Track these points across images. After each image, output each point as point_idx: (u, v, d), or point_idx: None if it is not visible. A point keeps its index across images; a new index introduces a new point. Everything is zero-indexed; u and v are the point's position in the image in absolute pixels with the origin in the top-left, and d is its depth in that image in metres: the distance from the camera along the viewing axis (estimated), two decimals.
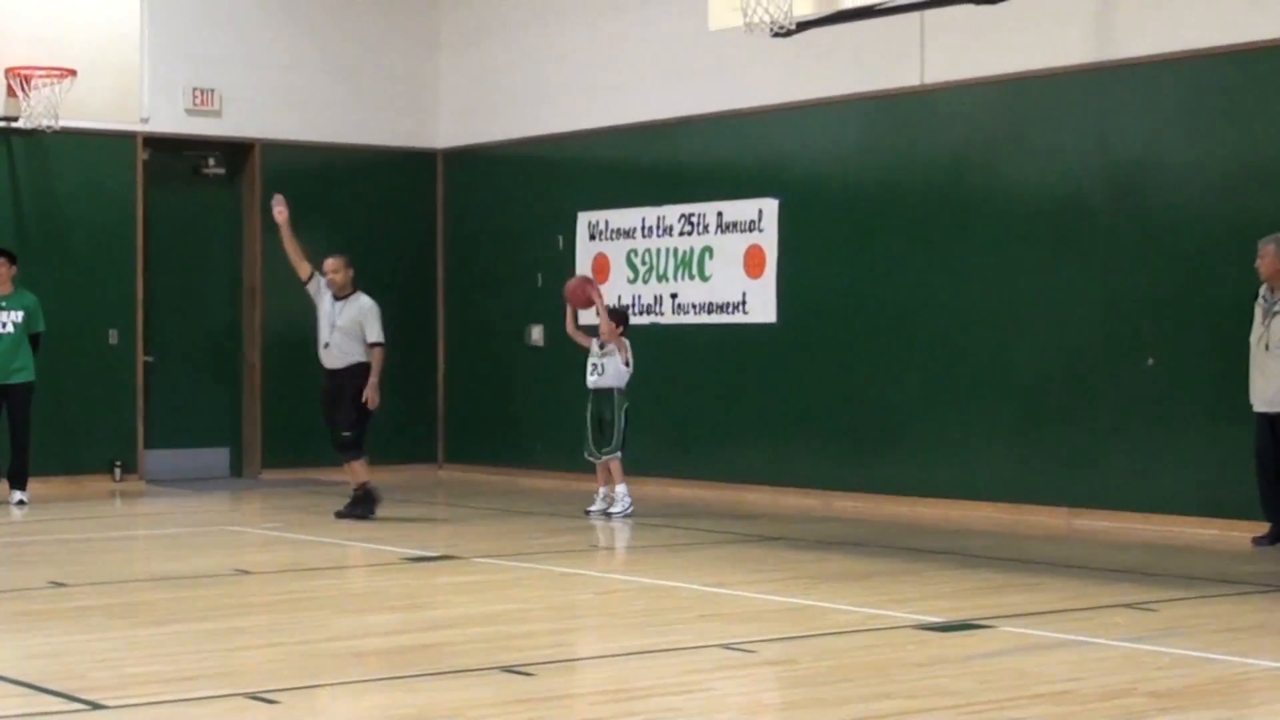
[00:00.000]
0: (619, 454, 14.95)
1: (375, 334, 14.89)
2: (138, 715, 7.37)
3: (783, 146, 16.53)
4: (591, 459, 15.11)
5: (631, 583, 11.37)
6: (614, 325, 15.03)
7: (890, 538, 13.51)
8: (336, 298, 15.02)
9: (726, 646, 8.80)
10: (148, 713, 7.43)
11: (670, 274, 17.44)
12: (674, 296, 17.40)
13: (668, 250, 17.46)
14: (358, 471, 14.85)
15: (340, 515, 14.83)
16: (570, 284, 15.31)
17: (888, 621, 9.67)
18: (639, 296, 17.64)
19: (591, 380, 15.06)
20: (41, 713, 7.43)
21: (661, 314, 17.42)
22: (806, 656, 8.69)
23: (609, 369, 14.98)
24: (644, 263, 17.67)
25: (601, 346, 15.06)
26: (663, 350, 17.23)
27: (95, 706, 7.45)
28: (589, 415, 15.08)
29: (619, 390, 14.99)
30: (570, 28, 18.47)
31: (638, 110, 17.76)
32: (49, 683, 7.88)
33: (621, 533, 14.18)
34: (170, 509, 16.55)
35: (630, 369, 15.04)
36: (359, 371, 14.81)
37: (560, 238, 18.43)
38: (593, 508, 15.03)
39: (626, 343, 15.06)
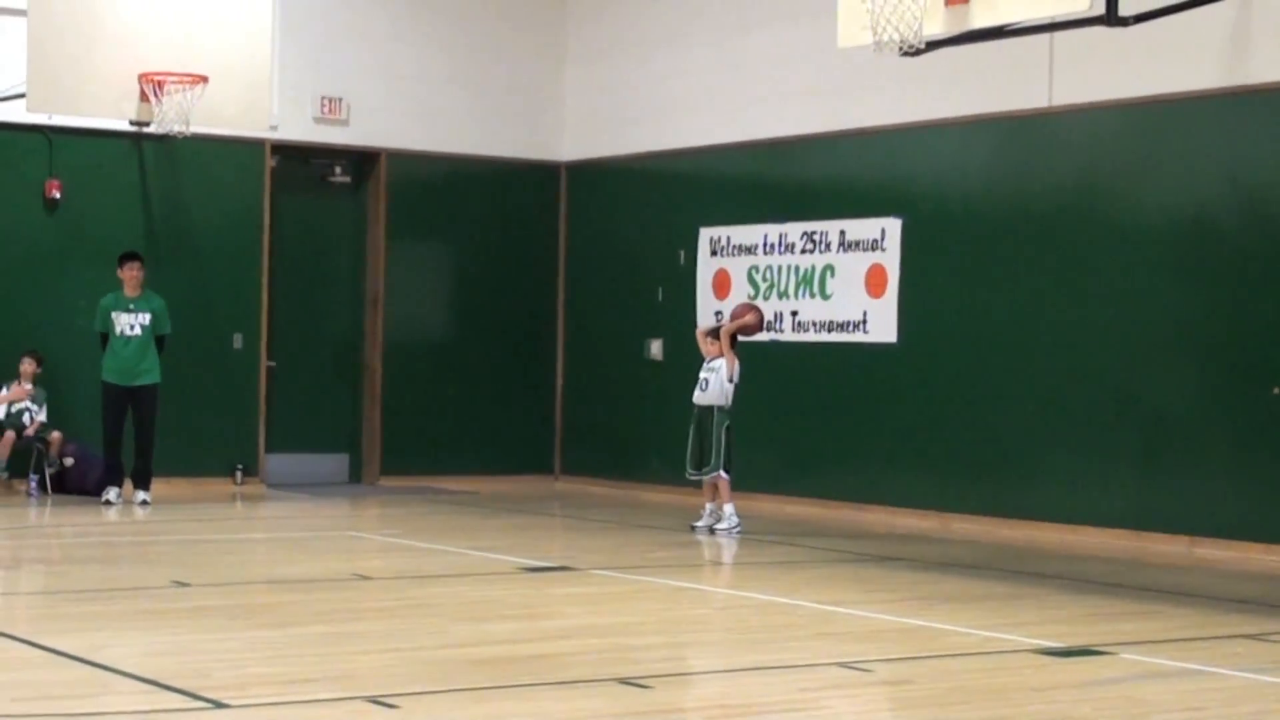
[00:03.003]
0: (723, 473, 14.89)
1: None
2: (259, 715, 7.45)
3: (907, 166, 16.48)
4: (692, 477, 15.09)
5: (747, 599, 11.36)
6: (716, 349, 14.98)
7: (1007, 561, 13.41)
8: None
9: (843, 665, 8.78)
10: (269, 713, 7.51)
11: (791, 291, 17.42)
12: (794, 314, 17.38)
13: (789, 267, 17.45)
14: None
15: None
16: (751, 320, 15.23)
17: (1005, 645, 9.60)
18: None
19: (696, 395, 15.05)
20: (165, 709, 7.53)
21: (781, 331, 17.40)
22: (923, 677, 8.65)
23: (712, 385, 14.94)
24: (765, 279, 17.66)
25: (709, 361, 15.05)
26: (781, 368, 17.21)
27: (218, 705, 7.54)
28: (691, 431, 15.07)
29: (719, 408, 14.92)
30: (697, 44, 18.50)
31: (762, 127, 17.76)
32: (172, 680, 7.98)
33: (737, 549, 14.16)
34: (290, 513, 16.71)
35: (734, 384, 14.96)
36: None
37: (682, 253, 18.46)
38: (698, 524, 15.00)
39: (735, 357, 15.01)
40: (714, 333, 15.31)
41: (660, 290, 18.75)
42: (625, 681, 8.21)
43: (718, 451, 14.84)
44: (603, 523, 15.93)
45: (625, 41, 19.40)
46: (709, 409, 14.94)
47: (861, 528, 15.65)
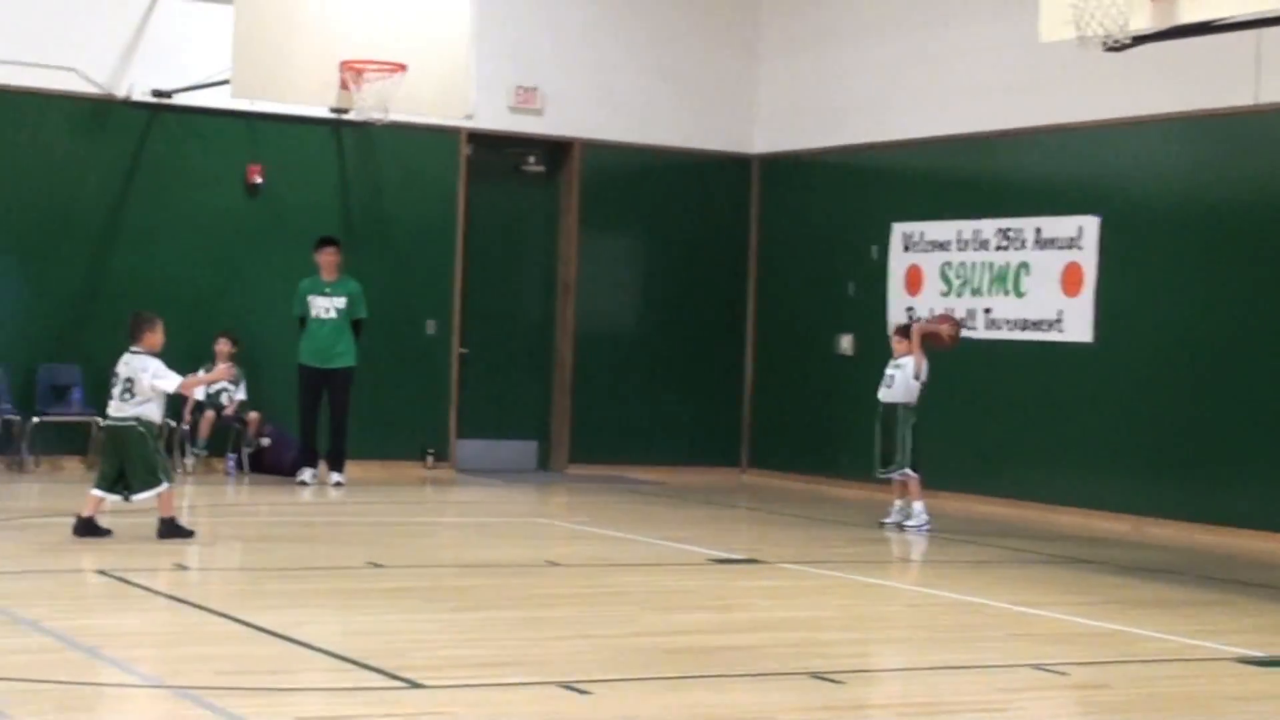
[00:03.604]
0: (910, 471, 14.77)
1: None
2: (455, 696, 7.53)
3: (1107, 163, 16.24)
4: (881, 476, 14.98)
5: (938, 597, 11.27)
6: (906, 346, 14.87)
7: (1203, 567, 13.18)
8: None
9: (1037, 667, 8.68)
10: (465, 695, 7.58)
11: (985, 288, 17.24)
12: (987, 311, 17.20)
13: (983, 264, 17.27)
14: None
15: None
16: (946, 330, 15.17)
17: (1203, 653, 9.44)
18: (952, 310, 17.45)
19: (881, 392, 14.94)
20: (364, 688, 7.63)
21: (974, 328, 17.22)
22: (1120, 682, 8.54)
23: (898, 382, 14.83)
24: (958, 276, 17.50)
25: (897, 358, 14.96)
26: (974, 366, 17.04)
27: (414, 685, 7.63)
28: (877, 428, 14.96)
29: (905, 405, 14.79)
30: (894, 37, 18.36)
31: (958, 122, 17.59)
32: (369, 659, 8.09)
33: (926, 546, 14.05)
34: (480, 498, 16.87)
35: (922, 383, 14.83)
36: None
37: (875, 247, 18.34)
38: (887, 520, 14.90)
39: (924, 356, 14.88)
40: (905, 330, 15.21)
41: (851, 285, 18.66)
42: (817, 676, 8.18)
43: (904, 450, 14.73)
44: (790, 516, 15.89)
45: (820, 34, 19.32)
46: (894, 406, 14.82)
47: (1053, 529, 15.46)
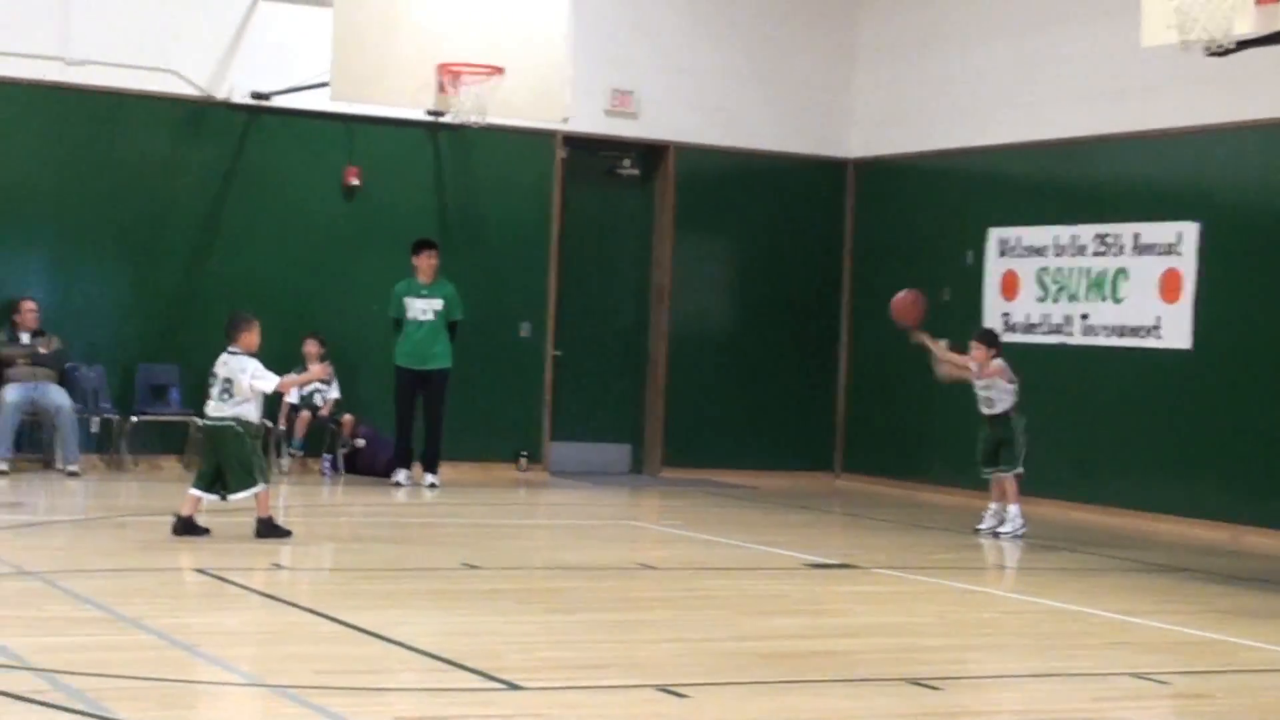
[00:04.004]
0: (1017, 471, 14.68)
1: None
2: (553, 699, 7.54)
3: (1207, 169, 16.08)
4: (986, 474, 14.88)
5: (1035, 604, 11.18)
6: (985, 355, 14.71)
7: None
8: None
9: (1137, 676, 8.60)
10: (562, 697, 7.59)
11: (1081, 294, 17.11)
12: (1084, 317, 17.06)
13: (1080, 270, 17.14)
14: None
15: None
16: (903, 301, 14.87)
17: None
18: (1048, 316, 17.35)
19: (985, 410, 14.80)
20: (462, 688, 7.65)
21: (1070, 334, 17.11)
22: (1220, 692, 8.45)
23: (999, 398, 14.69)
24: (1055, 282, 17.37)
25: (980, 376, 14.76)
26: (1070, 372, 16.92)
27: (512, 687, 7.64)
28: (983, 439, 14.83)
29: (1012, 412, 14.71)
30: (991, 42, 18.26)
31: (1056, 126, 17.47)
32: (465, 660, 8.11)
33: (1022, 554, 13.95)
34: (573, 500, 16.89)
35: (1016, 383, 14.72)
36: None
37: (970, 252, 18.23)
38: (982, 525, 14.79)
39: (1003, 364, 14.72)
40: (988, 338, 15.00)
41: (947, 290, 18.54)
42: (915, 682, 8.14)
43: (1020, 449, 14.59)
44: (885, 522, 15.82)
45: (917, 38, 19.24)
46: (1003, 416, 14.68)
47: (1150, 537, 15.32)
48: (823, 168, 19.83)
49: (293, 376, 13.87)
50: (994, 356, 14.76)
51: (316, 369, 14.68)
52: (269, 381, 12.16)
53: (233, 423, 12.05)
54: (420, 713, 7.33)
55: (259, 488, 12.04)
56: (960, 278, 18.31)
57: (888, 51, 19.57)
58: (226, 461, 12.03)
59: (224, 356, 12.22)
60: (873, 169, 19.75)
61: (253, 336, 12.30)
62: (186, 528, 11.97)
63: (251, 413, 12.13)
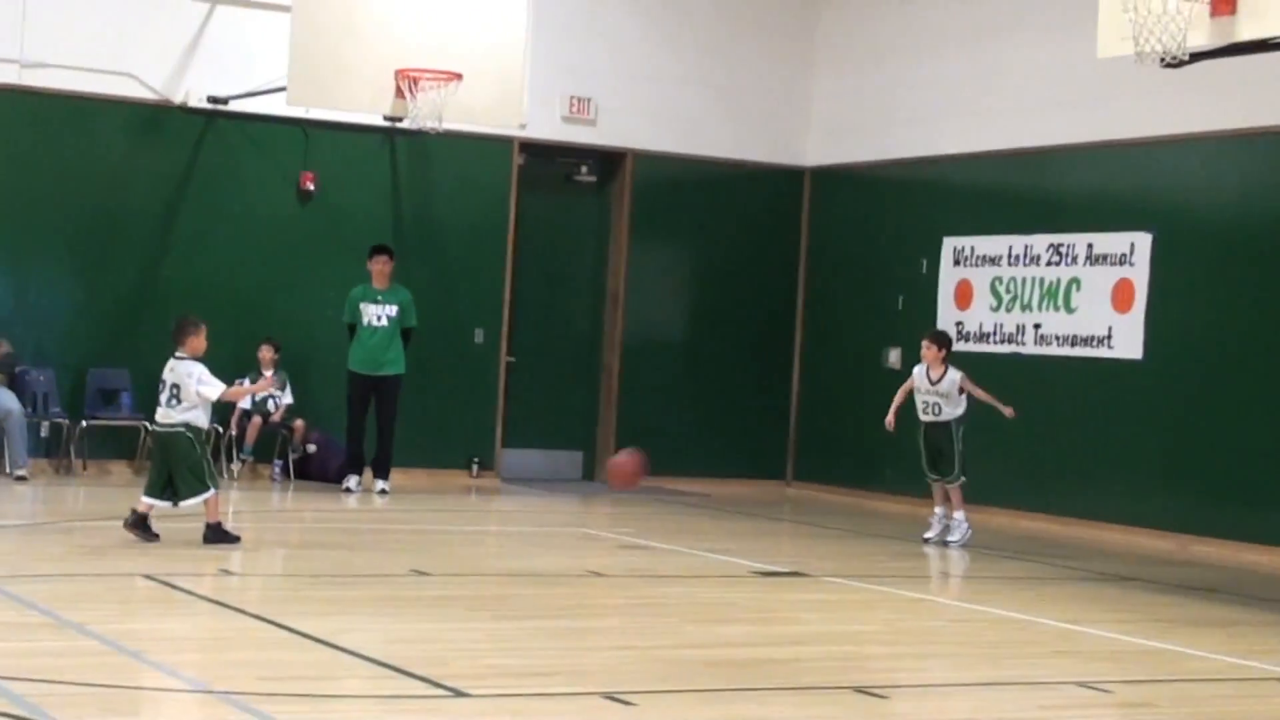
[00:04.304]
0: (962, 480, 14.71)
1: None
2: (498, 705, 7.54)
3: (1160, 179, 16.17)
4: (932, 481, 14.87)
5: (982, 613, 11.22)
6: (936, 355, 14.70)
7: (1251, 587, 13.10)
8: None
9: (1082, 684, 8.65)
10: (507, 704, 7.59)
11: (1035, 304, 17.18)
12: (1037, 327, 17.13)
13: (1034, 280, 17.21)
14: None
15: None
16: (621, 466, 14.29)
17: (1250, 672, 9.39)
18: (1000, 325, 17.42)
19: (926, 417, 14.78)
20: (407, 695, 7.65)
21: (1023, 344, 17.17)
22: (1166, 701, 8.49)
23: (945, 407, 14.67)
24: (1008, 291, 17.44)
25: (934, 382, 14.72)
26: (1022, 381, 16.97)
27: (457, 694, 7.64)
28: (924, 445, 14.83)
29: (957, 420, 14.71)
30: (948, 52, 18.32)
31: (1010, 136, 17.54)
32: (413, 667, 8.10)
33: (970, 562, 14.00)
34: (524, 508, 16.88)
35: (966, 395, 14.73)
36: None
37: (925, 261, 18.29)
38: (930, 534, 14.77)
39: (964, 377, 14.70)
40: (941, 339, 14.99)
41: (901, 299, 18.61)
42: (861, 690, 8.17)
43: (960, 459, 14.62)
44: (835, 530, 15.86)
45: (874, 47, 19.29)
46: (944, 424, 14.71)
47: (1099, 546, 15.39)
48: (780, 176, 19.88)
49: (240, 388, 13.67)
50: (944, 358, 14.76)
51: (262, 381, 14.45)
52: (214, 389, 12.11)
53: (182, 429, 12.02)
54: (367, 719, 7.33)
55: (209, 494, 12.01)
56: (915, 286, 18.37)
57: (845, 60, 19.63)
58: (176, 468, 12.00)
59: (171, 362, 12.19)
60: (829, 177, 19.80)
61: (199, 341, 12.25)
62: (140, 524, 11.93)
63: (200, 418, 12.10)
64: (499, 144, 18.42)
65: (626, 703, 7.60)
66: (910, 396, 14.93)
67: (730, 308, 19.73)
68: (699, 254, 19.79)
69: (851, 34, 19.60)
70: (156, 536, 11.98)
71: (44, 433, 16.66)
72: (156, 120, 17.30)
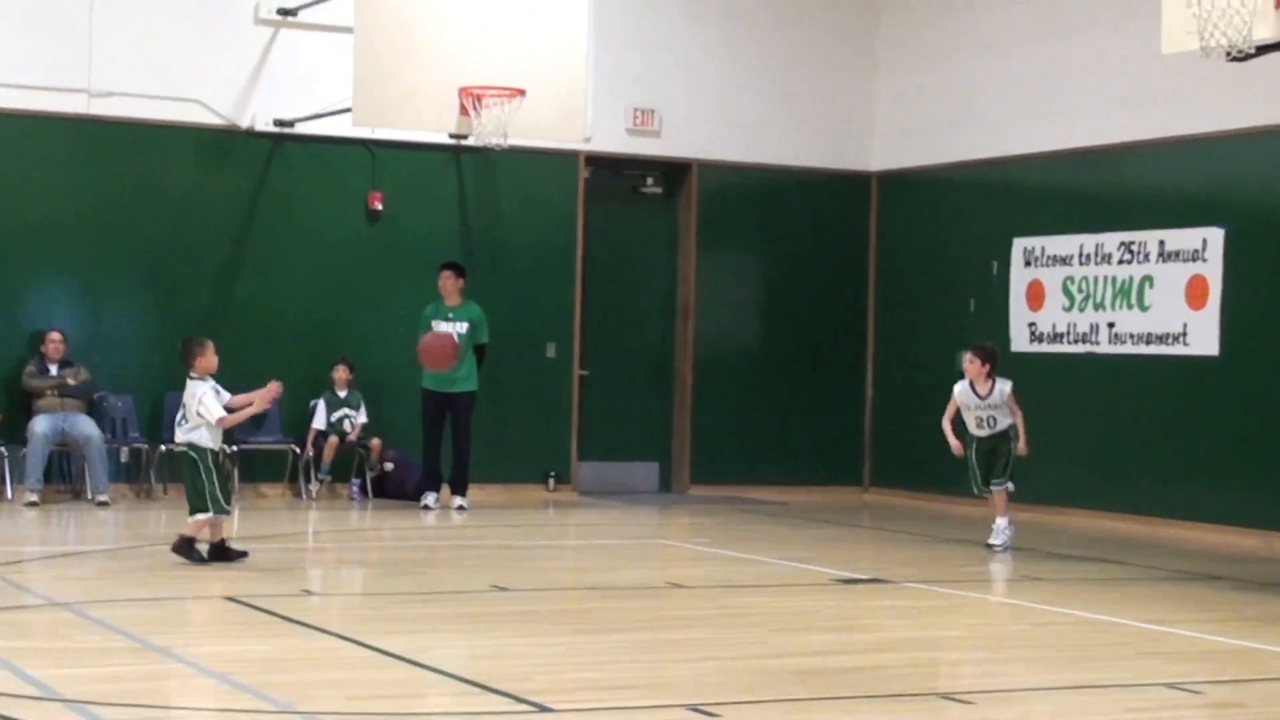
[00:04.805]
0: (1009, 485, 14.35)
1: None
2: None
3: (1232, 174, 16.05)
4: (983, 494, 14.50)
5: (1066, 615, 11.13)
6: (980, 370, 14.18)
7: None
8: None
9: (1171, 686, 8.57)
10: (592, 718, 7.60)
11: (1108, 303, 17.07)
12: (1111, 326, 17.03)
13: (1106, 278, 17.10)
14: None
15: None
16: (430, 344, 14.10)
17: None
18: (1074, 325, 17.32)
19: (981, 431, 14.28)
20: (491, 712, 7.65)
21: (1098, 343, 17.07)
22: (1256, 701, 8.42)
23: (1000, 418, 14.24)
24: (1080, 290, 17.33)
25: (983, 397, 14.23)
26: (1097, 381, 16.89)
27: (541, 709, 7.64)
28: (977, 461, 14.33)
29: (1011, 425, 14.26)
30: (1013, 51, 18.23)
31: (1078, 134, 17.44)
32: (495, 683, 8.11)
33: (1051, 565, 13.89)
34: (602, 520, 16.89)
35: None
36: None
37: (995, 263, 18.21)
38: (994, 541, 14.30)
39: (1009, 386, 14.27)
40: (987, 354, 14.36)
41: (972, 301, 18.53)
42: (947, 697, 8.13)
43: (1009, 465, 14.26)
44: (914, 535, 15.79)
45: (937, 49, 19.23)
46: (1003, 432, 14.28)
47: (1179, 545, 15.27)
48: (846, 181, 19.83)
49: (241, 411, 12.53)
50: (990, 373, 14.26)
51: (262, 393, 13.21)
52: (213, 412, 12.08)
53: (187, 448, 12.07)
54: None
55: (204, 515, 12.00)
56: (986, 289, 18.29)
57: (908, 63, 19.57)
58: (185, 486, 12.09)
59: (187, 381, 12.24)
60: (896, 181, 19.74)
61: (206, 360, 12.27)
62: (220, 553, 12.00)
63: (204, 438, 12.08)
64: (564, 158, 18.45)
65: (712, 715, 7.59)
66: (958, 415, 14.53)
67: (801, 314, 19.69)
68: (767, 262, 19.76)
69: (913, 37, 19.54)
70: (244, 554, 12.04)
71: (124, 458, 16.79)
72: (224, 145, 17.42)
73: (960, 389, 14.40)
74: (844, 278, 19.84)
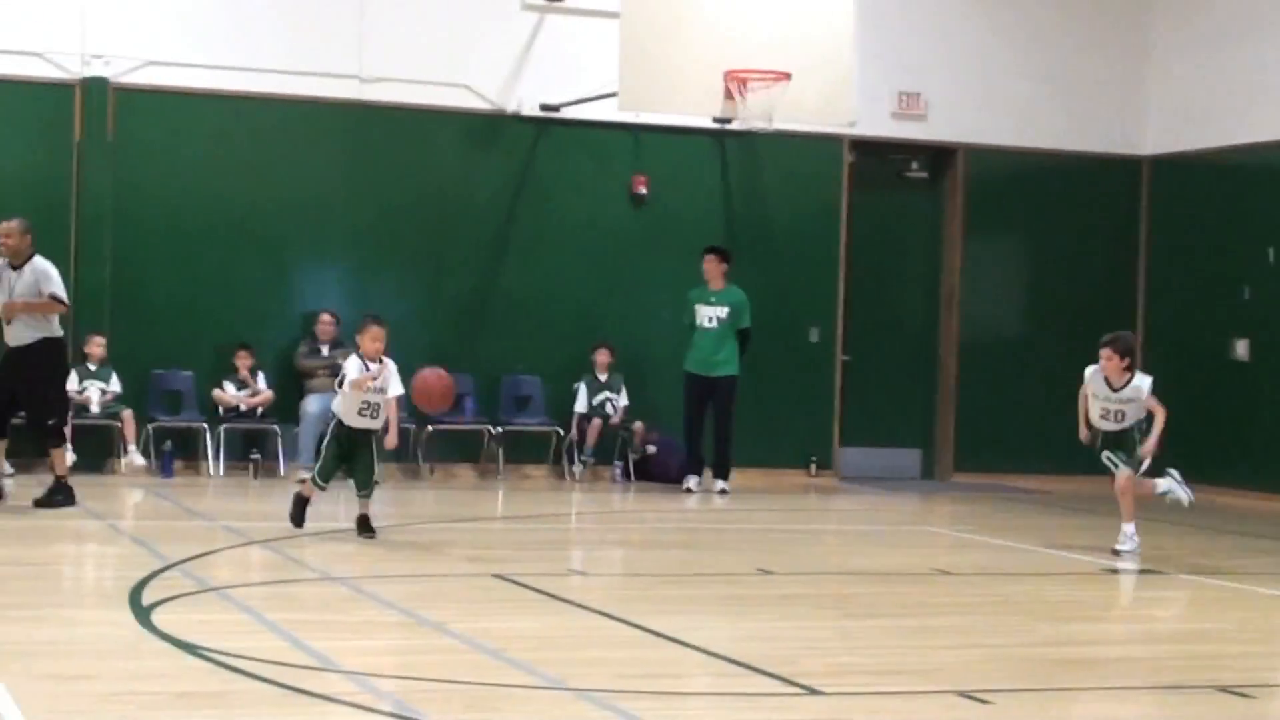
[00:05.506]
0: (1130, 473, 13.06)
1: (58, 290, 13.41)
2: (852, 704, 7.49)
3: None
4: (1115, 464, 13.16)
5: None
6: (1117, 364, 12.97)
7: None
8: (12, 266, 13.43)
9: None
10: (862, 702, 7.54)
11: None
12: None
13: None
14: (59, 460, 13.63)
15: (39, 504, 13.39)
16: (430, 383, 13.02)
17: None
18: None
19: (1107, 424, 13.18)
20: (761, 693, 7.64)
21: None
22: None
23: (1130, 413, 13.10)
24: None
25: (1115, 389, 13.05)
26: None
27: (811, 691, 7.61)
28: (1108, 443, 13.16)
29: (1139, 420, 13.14)
30: None
31: None
32: (764, 665, 8.09)
33: None
34: (864, 506, 16.79)
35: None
36: (46, 348, 13.47)
37: (1271, 250, 17.73)
38: (1122, 546, 12.92)
39: (1149, 382, 13.11)
40: (1123, 347, 13.18)
41: (1246, 289, 18.07)
42: (1225, 689, 7.92)
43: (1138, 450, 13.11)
44: (1185, 525, 15.44)
45: (1212, 31, 18.77)
46: (1130, 428, 13.18)
47: None
48: (1116, 166, 19.46)
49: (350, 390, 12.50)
50: (1127, 366, 13.17)
51: (359, 379, 12.95)
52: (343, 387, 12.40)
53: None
54: (722, 717, 7.34)
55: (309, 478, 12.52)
56: (1261, 276, 17.84)
57: (1182, 45, 19.13)
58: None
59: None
60: (1168, 166, 19.31)
61: (364, 340, 12.48)
62: (362, 525, 12.35)
63: (336, 405, 12.46)
64: (829, 142, 18.37)
65: (983, 701, 7.49)
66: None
67: (1068, 302, 19.37)
68: (1034, 248, 19.48)
69: (1188, 18, 19.10)
70: (363, 530, 12.35)
71: None
72: (491, 129, 17.63)
73: (1091, 375, 13.25)
74: (1113, 264, 19.48)
